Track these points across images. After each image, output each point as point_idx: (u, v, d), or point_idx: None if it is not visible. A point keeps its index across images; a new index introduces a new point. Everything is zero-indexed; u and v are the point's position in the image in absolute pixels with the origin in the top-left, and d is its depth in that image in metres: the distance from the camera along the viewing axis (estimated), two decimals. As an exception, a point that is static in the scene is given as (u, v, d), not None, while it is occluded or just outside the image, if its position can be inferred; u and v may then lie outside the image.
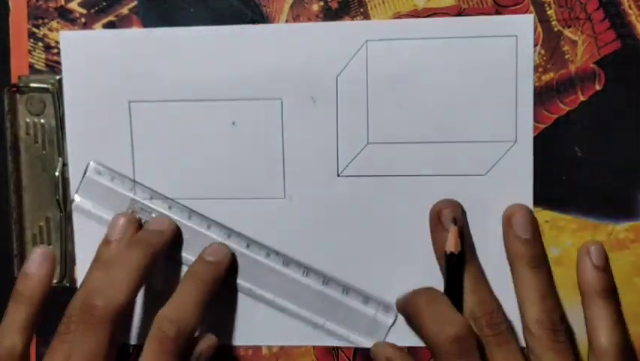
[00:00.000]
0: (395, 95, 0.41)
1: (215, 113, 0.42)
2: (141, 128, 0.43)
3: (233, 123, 0.42)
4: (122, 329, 0.43)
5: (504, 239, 0.41)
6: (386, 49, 0.41)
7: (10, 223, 0.44)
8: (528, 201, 0.41)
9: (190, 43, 0.42)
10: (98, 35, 0.43)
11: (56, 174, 0.44)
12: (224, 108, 0.42)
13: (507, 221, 0.41)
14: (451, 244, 0.40)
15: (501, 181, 0.41)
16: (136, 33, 0.42)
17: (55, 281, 0.44)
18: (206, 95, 0.42)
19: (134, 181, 0.43)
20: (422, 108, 0.41)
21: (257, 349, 0.44)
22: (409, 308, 0.40)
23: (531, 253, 0.40)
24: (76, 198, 0.43)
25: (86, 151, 0.43)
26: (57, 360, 0.37)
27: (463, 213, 0.41)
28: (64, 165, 0.44)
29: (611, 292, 0.40)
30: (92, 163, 0.43)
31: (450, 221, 0.40)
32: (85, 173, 0.43)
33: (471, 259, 0.41)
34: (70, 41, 0.43)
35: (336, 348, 0.43)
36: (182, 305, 0.39)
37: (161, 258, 0.41)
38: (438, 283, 0.41)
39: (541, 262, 0.40)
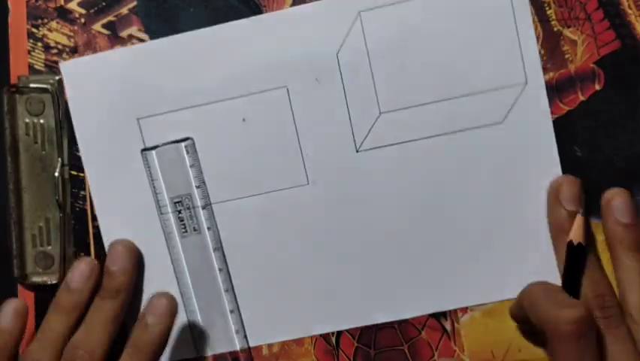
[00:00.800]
0: (397, 61, 0.41)
1: (224, 113, 0.42)
2: (154, 143, 0.43)
3: (244, 120, 0.42)
4: None
5: (603, 223, 0.40)
6: (380, 16, 0.41)
7: (9, 224, 0.44)
8: (550, 142, 0.41)
9: (187, 48, 0.42)
10: (97, 59, 0.43)
11: (56, 174, 0.44)
12: (231, 107, 0.42)
13: (606, 205, 0.40)
14: (577, 235, 0.39)
15: (520, 125, 0.41)
16: (132, 50, 0.42)
17: (54, 282, 0.44)
18: (211, 97, 0.42)
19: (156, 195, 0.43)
20: (427, 68, 0.41)
21: (257, 349, 0.44)
22: (526, 300, 0.40)
23: (631, 238, 0.39)
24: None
25: (104, 179, 0.43)
26: None
27: (585, 193, 0.40)
28: (64, 165, 0.44)
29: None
30: None
31: (570, 201, 0.39)
32: None
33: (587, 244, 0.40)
34: (71, 70, 0.43)
35: (337, 348, 0.43)
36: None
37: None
38: (475, 244, 0.41)
39: None
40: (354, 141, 0.42)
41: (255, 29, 0.42)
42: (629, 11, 0.40)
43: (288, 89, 0.42)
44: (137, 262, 0.43)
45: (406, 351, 0.43)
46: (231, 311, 0.43)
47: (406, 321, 0.43)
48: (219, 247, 0.43)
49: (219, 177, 0.43)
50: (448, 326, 0.43)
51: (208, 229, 0.43)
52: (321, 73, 0.41)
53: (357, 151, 0.42)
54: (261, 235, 0.43)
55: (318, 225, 0.42)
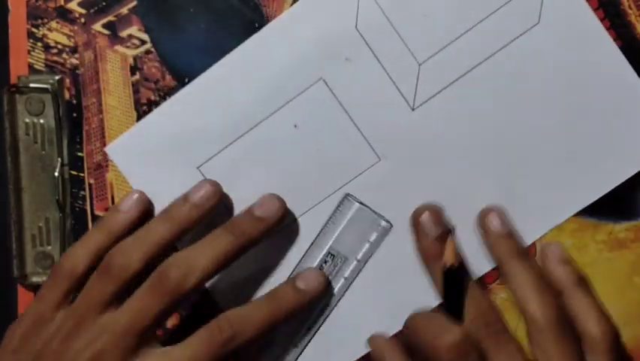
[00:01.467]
0: (416, 8, 0.41)
1: (274, 128, 0.42)
2: (221, 181, 0.42)
3: (295, 126, 0.42)
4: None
5: (485, 242, 0.40)
6: None
7: (9, 224, 0.44)
8: (596, 27, 0.40)
9: (214, 81, 0.42)
10: (138, 130, 0.43)
11: (56, 174, 0.44)
12: (278, 120, 0.42)
13: (482, 222, 0.40)
14: (451, 258, 0.39)
15: (559, 19, 0.40)
16: (166, 106, 0.42)
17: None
18: (256, 118, 0.42)
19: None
20: (446, 2, 0.41)
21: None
22: (408, 332, 0.40)
23: (515, 246, 0.40)
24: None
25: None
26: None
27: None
28: (64, 165, 0.44)
29: (585, 282, 0.40)
30: None
31: (435, 228, 0.40)
32: None
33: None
34: (118, 151, 0.43)
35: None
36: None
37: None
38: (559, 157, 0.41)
39: (527, 253, 0.40)
40: (407, 101, 0.41)
41: (272, 37, 0.42)
42: (629, 11, 0.40)
43: (324, 80, 0.42)
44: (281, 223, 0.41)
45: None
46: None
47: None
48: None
49: (294, 190, 0.42)
50: (448, 326, 0.43)
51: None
52: (348, 51, 0.41)
53: (412, 110, 0.41)
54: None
55: (403, 194, 0.42)
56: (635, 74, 0.40)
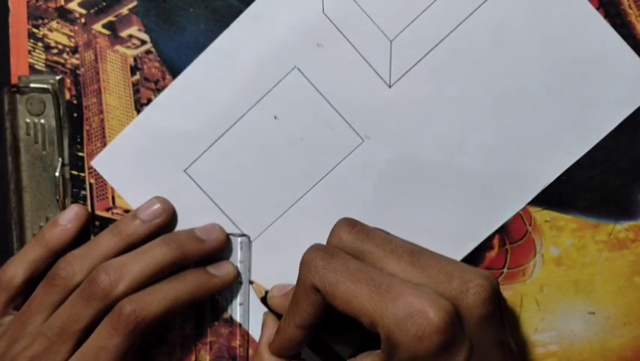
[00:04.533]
0: None
1: (255, 122, 0.42)
2: (211, 184, 0.43)
3: (275, 118, 0.42)
4: None
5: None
6: None
7: (10, 223, 0.44)
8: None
9: (190, 82, 0.42)
10: (119, 141, 0.43)
11: (56, 174, 0.44)
12: (258, 113, 0.42)
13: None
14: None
15: None
16: (145, 114, 0.43)
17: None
18: (237, 112, 0.42)
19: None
20: None
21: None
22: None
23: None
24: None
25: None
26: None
27: None
28: (64, 165, 0.44)
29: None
30: None
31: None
32: None
33: None
34: (104, 163, 0.43)
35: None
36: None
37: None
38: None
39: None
40: (382, 79, 0.41)
41: (241, 31, 0.42)
42: (630, 11, 0.40)
43: (298, 69, 0.42)
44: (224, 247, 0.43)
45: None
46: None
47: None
48: None
49: (283, 181, 0.42)
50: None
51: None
52: (318, 37, 0.41)
53: (389, 87, 0.41)
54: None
55: (390, 170, 0.42)
56: (611, 28, 0.40)
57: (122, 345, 0.38)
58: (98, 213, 0.44)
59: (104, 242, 0.41)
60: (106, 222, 0.44)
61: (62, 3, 0.43)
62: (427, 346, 0.33)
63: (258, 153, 0.42)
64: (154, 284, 0.40)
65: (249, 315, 0.44)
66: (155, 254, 0.40)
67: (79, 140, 0.44)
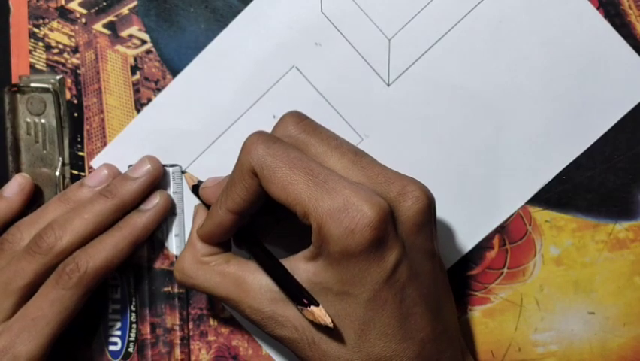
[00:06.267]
0: None
1: (254, 122, 0.42)
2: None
3: (274, 117, 0.42)
4: None
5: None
6: None
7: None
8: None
9: (189, 82, 0.42)
10: (118, 141, 0.43)
11: (56, 173, 0.44)
12: (257, 112, 0.42)
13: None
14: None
15: None
16: (145, 114, 0.43)
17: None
18: (234, 115, 0.42)
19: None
20: None
21: (257, 348, 0.44)
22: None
23: None
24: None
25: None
26: None
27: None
28: (65, 164, 0.44)
29: None
30: None
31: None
32: None
33: None
34: (103, 162, 0.43)
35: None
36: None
37: None
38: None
39: None
40: (381, 77, 0.41)
41: (239, 31, 0.42)
42: (630, 11, 0.40)
43: (297, 68, 0.42)
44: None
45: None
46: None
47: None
48: None
49: None
50: (447, 325, 0.43)
51: None
52: (317, 36, 0.41)
53: (388, 85, 0.41)
54: None
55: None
56: (610, 27, 0.40)
57: (67, 300, 0.39)
58: (98, 212, 0.44)
59: (52, 210, 0.41)
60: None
61: (63, 3, 0.43)
62: (359, 240, 0.32)
63: None
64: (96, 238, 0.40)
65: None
66: (94, 206, 0.40)
67: (79, 139, 0.44)
